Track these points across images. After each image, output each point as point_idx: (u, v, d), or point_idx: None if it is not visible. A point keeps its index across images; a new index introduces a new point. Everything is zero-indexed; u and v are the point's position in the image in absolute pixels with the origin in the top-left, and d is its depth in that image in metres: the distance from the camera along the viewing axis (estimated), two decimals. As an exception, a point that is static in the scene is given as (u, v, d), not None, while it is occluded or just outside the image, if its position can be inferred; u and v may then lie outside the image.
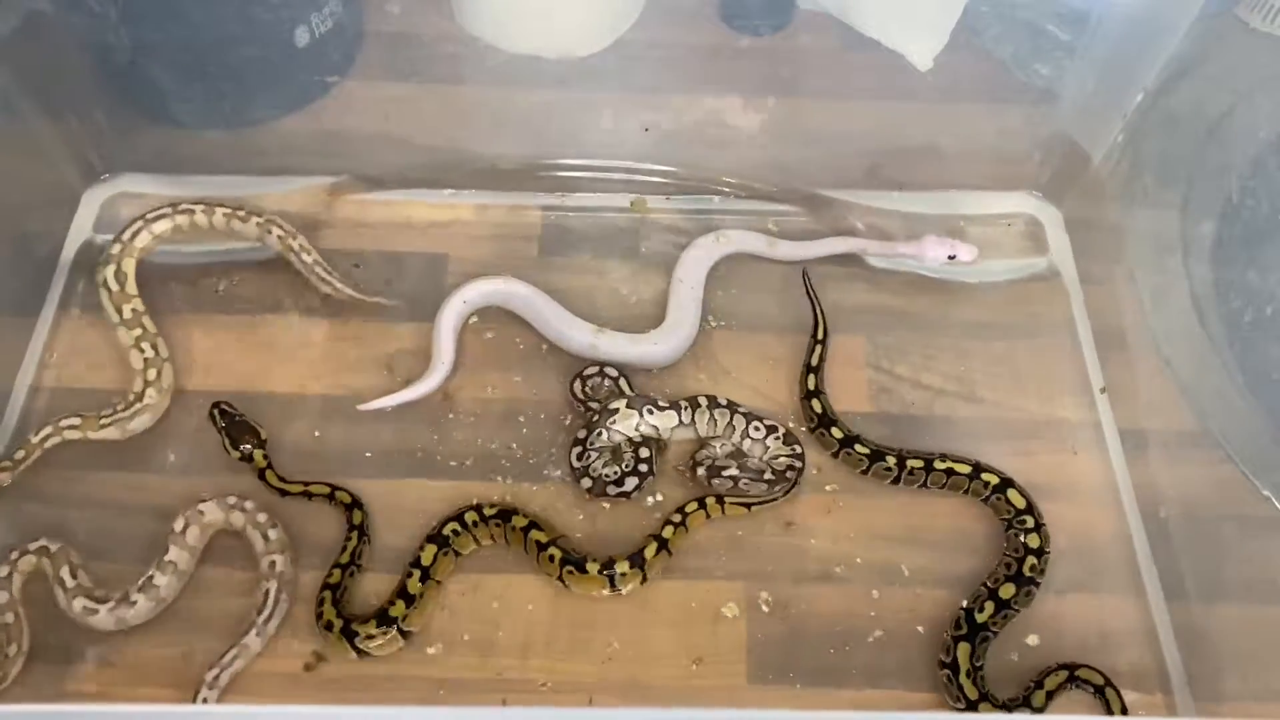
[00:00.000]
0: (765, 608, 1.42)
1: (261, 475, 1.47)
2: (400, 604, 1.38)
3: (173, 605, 1.40)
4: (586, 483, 1.48)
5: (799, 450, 1.51)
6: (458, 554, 1.43)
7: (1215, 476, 1.46)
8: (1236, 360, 1.44)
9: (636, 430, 1.52)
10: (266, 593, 1.39)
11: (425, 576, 1.40)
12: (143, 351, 1.54)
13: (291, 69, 1.69)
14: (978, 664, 1.37)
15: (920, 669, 1.39)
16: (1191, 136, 1.55)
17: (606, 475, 1.48)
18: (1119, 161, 1.67)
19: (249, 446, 1.48)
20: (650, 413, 1.52)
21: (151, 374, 1.53)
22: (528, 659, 1.38)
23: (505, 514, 1.44)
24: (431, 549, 1.41)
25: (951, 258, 1.66)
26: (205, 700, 1.32)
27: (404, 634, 1.38)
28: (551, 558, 1.40)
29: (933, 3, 1.63)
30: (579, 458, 1.49)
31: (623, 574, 1.41)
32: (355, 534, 1.43)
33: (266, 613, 1.37)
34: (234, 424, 1.50)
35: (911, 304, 1.68)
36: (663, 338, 1.60)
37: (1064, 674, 1.36)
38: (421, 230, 1.73)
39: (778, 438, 1.52)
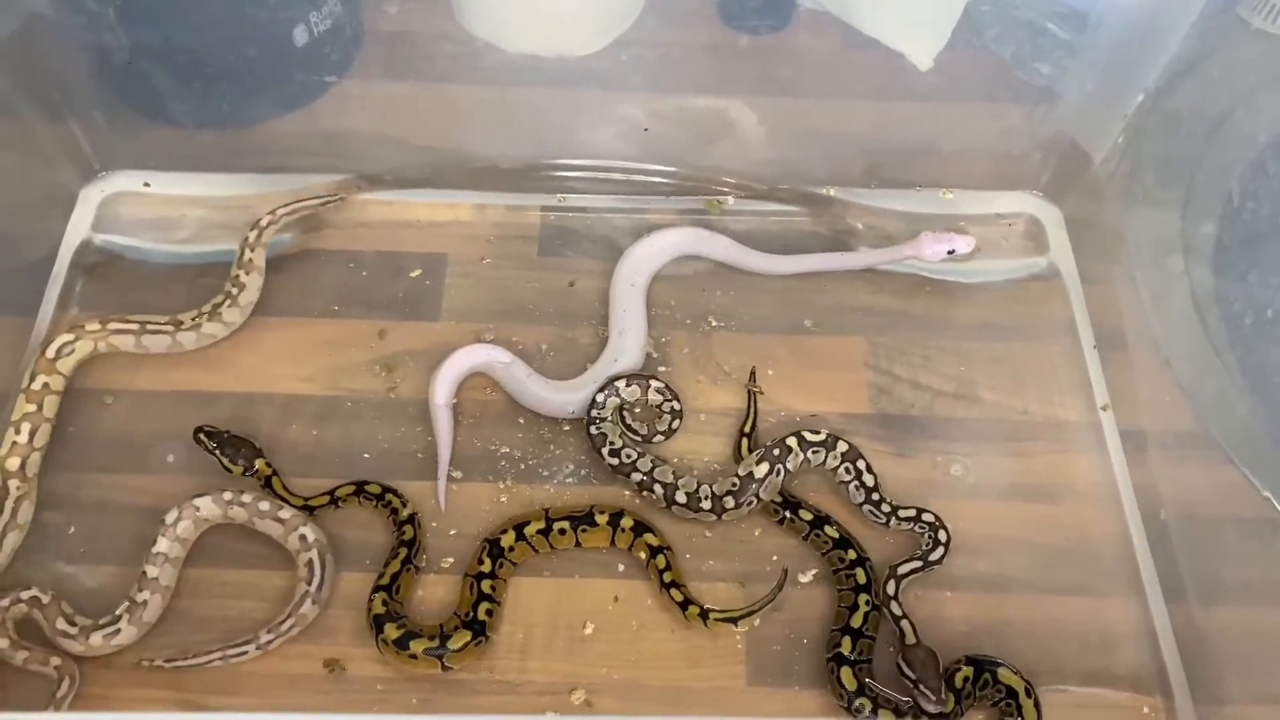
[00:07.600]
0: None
1: (267, 483, 1.46)
2: (466, 634, 1.36)
3: (172, 606, 1.40)
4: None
5: (670, 393, 1.55)
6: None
7: (1215, 477, 1.45)
8: (1237, 361, 1.43)
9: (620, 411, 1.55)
10: (310, 563, 1.38)
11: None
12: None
13: (290, 69, 1.68)
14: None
15: (920, 670, 1.39)
16: (1192, 136, 1.54)
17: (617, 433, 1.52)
18: (1119, 161, 1.67)
19: (249, 459, 1.46)
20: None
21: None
22: (526, 660, 1.38)
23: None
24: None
25: (951, 252, 1.65)
26: (243, 654, 1.34)
27: (446, 667, 1.37)
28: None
29: (933, 2, 1.63)
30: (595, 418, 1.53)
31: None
32: (409, 526, 1.43)
33: (317, 579, 1.38)
34: (226, 442, 1.47)
35: (911, 304, 1.68)
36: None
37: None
38: (421, 230, 1.73)
39: (658, 391, 1.56)
